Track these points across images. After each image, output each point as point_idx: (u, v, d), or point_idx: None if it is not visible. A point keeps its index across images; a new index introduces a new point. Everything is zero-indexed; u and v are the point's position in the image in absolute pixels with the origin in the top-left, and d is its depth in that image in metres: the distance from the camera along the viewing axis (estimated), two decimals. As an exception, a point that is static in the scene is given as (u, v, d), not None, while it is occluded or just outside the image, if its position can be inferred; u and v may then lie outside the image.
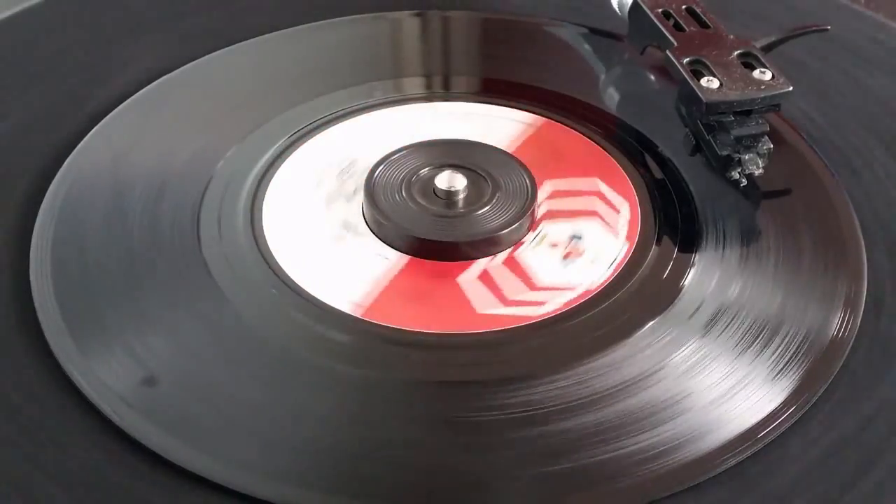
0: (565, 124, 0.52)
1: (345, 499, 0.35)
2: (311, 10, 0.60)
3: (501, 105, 0.53)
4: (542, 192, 0.47)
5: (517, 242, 0.45)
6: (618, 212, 0.45)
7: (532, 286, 0.43)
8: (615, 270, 0.43)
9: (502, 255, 0.44)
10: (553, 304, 0.42)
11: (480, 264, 0.44)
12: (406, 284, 0.43)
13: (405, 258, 0.44)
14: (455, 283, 0.43)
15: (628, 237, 0.45)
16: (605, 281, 0.43)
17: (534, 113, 0.52)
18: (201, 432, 0.37)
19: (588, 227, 0.45)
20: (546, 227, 0.46)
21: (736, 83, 0.46)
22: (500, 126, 0.51)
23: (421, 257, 0.44)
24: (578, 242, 0.45)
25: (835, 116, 0.53)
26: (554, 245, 0.45)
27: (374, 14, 0.60)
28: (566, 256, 0.44)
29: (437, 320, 0.41)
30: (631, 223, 0.45)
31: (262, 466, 0.36)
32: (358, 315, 0.41)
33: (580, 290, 0.43)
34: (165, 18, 0.60)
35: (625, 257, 0.44)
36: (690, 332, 0.41)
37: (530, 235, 0.45)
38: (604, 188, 0.47)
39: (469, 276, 0.43)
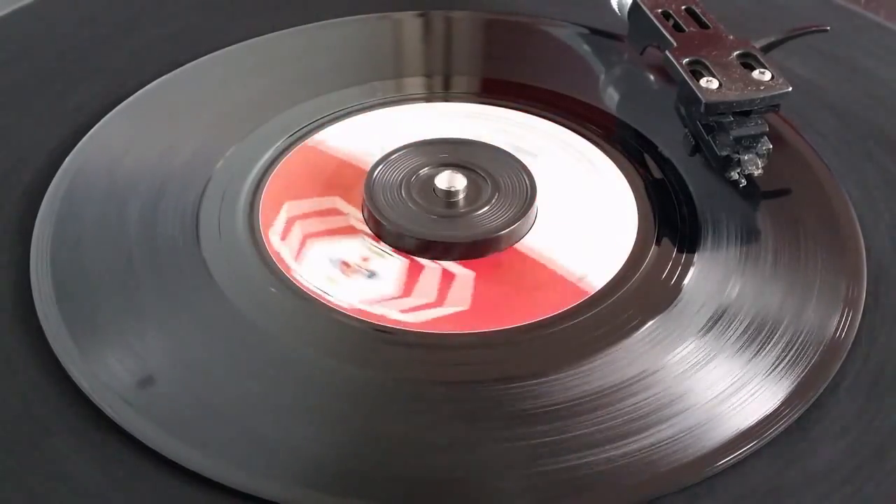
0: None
1: (343, 497, 0.35)
2: (312, 10, 0.60)
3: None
4: (476, 281, 0.44)
5: (375, 236, 0.45)
6: (417, 310, 0.42)
7: (295, 255, 0.44)
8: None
9: (343, 233, 0.45)
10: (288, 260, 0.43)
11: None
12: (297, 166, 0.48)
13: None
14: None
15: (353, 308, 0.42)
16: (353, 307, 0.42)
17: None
18: (201, 431, 0.37)
19: (391, 279, 0.43)
20: (400, 259, 0.44)
21: (735, 83, 0.46)
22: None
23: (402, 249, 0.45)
24: (364, 276, 0.43)
25: (834, 116, 0.53)
26: (365, 259, 0.44)
27: (374, 14, 0.60)
28: (341, 265, 0.43)
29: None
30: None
31: (261, 465, 0.36)
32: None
33: (299, 280, 0.43)
34: (165, 18, 0.60)
35: (345, 307, 0.42)
36: (690, 331, 0.41)
37: (384, 247, 0.44)
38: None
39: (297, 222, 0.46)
